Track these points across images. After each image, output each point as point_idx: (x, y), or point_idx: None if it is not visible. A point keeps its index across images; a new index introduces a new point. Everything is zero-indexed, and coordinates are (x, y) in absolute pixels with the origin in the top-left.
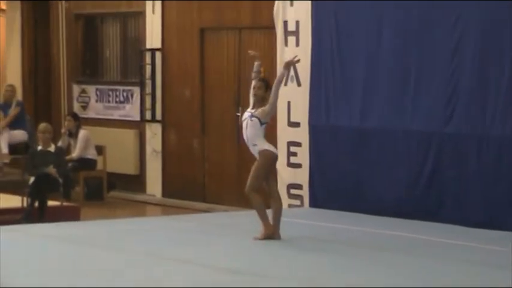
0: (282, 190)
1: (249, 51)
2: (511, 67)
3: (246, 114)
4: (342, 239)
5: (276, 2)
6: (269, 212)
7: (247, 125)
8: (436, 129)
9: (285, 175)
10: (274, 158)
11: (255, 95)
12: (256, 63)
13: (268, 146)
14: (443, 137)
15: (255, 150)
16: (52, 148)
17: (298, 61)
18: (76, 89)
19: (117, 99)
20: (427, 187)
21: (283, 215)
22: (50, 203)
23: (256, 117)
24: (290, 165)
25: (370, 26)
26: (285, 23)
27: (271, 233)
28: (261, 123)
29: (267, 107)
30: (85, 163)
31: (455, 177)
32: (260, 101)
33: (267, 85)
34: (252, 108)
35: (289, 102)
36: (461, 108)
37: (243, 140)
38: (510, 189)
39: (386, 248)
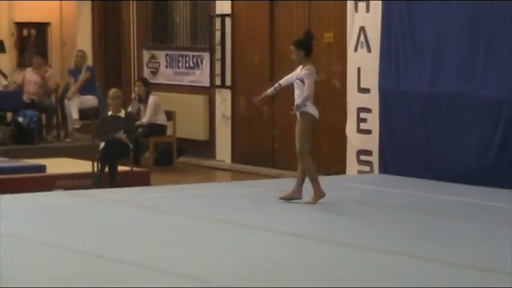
0: (352, 156)
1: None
2: None
3: (293, 76)
4: (412, 205)
5: None
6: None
7: (294, 86)
8: (507, 95)
9: (354, 141)
10: (313, 119)
11: (293, 59)
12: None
13: (310, 109)
14: None
15: (297, 111)
16: (122, 114)
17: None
18: (146, 54)
19: (187, 65)
20: (497, 154)
21: (354, 180)
22: (120, 168)
23: (299, 79)
24: (360, 131)
25: None
26: None
27: (293, 193)
28: (304, 84)
29: (306, 92)
30: (155, 129)
31: None
32: (300, 63)
33: (298, 46)
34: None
35: (359, 68)
36: None
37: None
38: None
39: (455, 215)
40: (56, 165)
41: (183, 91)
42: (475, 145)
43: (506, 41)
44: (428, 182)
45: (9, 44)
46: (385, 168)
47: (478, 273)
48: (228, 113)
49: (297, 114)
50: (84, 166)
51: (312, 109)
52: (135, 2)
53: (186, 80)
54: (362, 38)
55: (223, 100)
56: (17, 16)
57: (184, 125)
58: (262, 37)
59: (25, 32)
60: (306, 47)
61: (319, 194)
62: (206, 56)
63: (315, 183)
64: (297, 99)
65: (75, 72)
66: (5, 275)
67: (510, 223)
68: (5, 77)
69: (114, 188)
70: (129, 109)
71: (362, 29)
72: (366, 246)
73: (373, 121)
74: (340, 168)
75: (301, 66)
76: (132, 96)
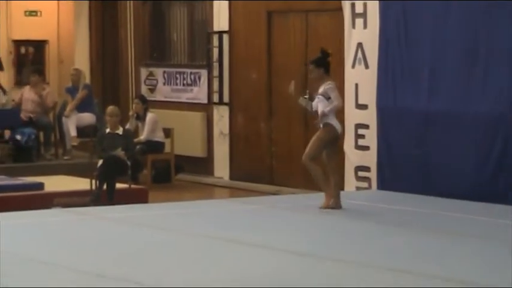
0: (350, 172)
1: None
2: None
3: (316, 97)
4: (410, 221)
5: None
6: None
7: (317, 102)
8: (504, 111)
9: (352, 157)
10: (335, 133)
11: (312, 79)
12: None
13: (334, 122)
14: (511, 119)
15: (321, 122)
16: (120, 131)
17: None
18: (144, 72)
19: (185, 82)
20: (495, 170)
21: (351, 197)
22: (118, 185)
23: (321, 94)
24: (358, 147)
25: (437, 8)
26: (353, 5)
27: (333, 203)
28: (327, 99)
29: (335, 102)
30: (153, 146)
31: None
32: (320, 80)
33: (317, 64)
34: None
35: (356, 85)
36: None
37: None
38: None
39: (454, 231)
40: (54, 183)
41: (181, 108)
42: (473, 161)
43: (503, 57)
44: (426, 198)
45: (7, 62)
46: (383, 185)
47: None
48: (226, 130)
49: (320, 125)
50: (82, 184)
51: (335, 123)
52: (132, 19)
53: (184, 97)
54: (360, 55)
55: (221, 117)
56: (14, 34)
57: (182, 142)
58: (259, 54)
59: (23, 49)
60: (324, 64)
61: (330, 196)
62: (204, 73)
63: (324, 187)
64: (320, 112)
65: (72, 90)
66: None
67: (509, 239)
68: (4, 91)
69: (112, 205)
70: (127, 126)
71: (359, 45)
72: (363, 263)
73: (371, 137)
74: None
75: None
76: (130, 113)
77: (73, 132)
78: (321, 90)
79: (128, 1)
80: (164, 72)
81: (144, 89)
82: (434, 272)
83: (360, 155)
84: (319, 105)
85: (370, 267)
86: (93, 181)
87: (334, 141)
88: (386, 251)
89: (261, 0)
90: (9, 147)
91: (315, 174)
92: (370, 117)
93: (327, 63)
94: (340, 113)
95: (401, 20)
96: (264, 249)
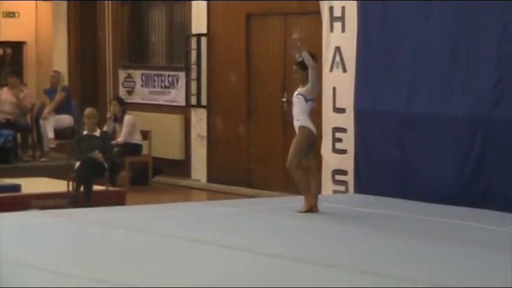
0: (327, 176)
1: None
2: None
3: (294, 94)
4: (387, 225)
5: None
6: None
7: (294, 102)
8: (483, 114)
9: (330, 161)
10: (312, 135)
11: (295, 79)
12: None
13: (309, 124)
14: (490, 122)
15: (296, 125)
16: (98, 133)
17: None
18: (122, 74)
19: (163, 84)
20: (473, 173)
21: (328, 201)
22: (96, 187)
23: (301, 94)
24: (335, 151)
25: (416, 11)
26: (331, 8)
27: (312, 206)
28: (306, 100)
29: (309, 85)
30: (130, 148)
31: (503, 163)
32: (302, 83)
33: (302, 67)
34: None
35: (334, 88)
36: (509, 93)
37: (290, 124)
38: None
39: (431, 234)
40: (31, 185)
41: (159, 110)
42: (452, 165)
43: (482, 61)
44: (404, 202)
45: None
46: (360, 188)
47: None
48: (204, 133)
49: (296, 129)
50: (59, 185)
51: (310, 124)
52: (111, 21)
53: (162, 100)
54: (337, 58)
55: (199, 120)
56: None
57: (160, 144)
58: (238, 57)
59: (0, 51)
60: (304, 69)
61: (310, 203)
62: (182, 75)
63: (305, 192)
64: (296, 116)
65: (50, 92)
66: None
67: (487, 242)
68: None
69: (89, 207)
70: (105, 128)
71: (337, 49)
72: (340, 265)
73: (348, 141)
74: None
75: (300, 86)
76: (108, 115)
77: (51, 134)
78: (301, 90)
79: (107, 1)
80: (142, 74)
81: (122, 91)
82: (411, 275)
83: (337, 158)
84: (295, 105)
85: (347, 270)
86: (71, 183)
87: (312, 143)
88: (363, 254)
89: (240, 1)
90: None
91: (299, 180)
92: (347, 120)
93: None
94: (317, 117)
95: (379, 23)
96: (242, 252)
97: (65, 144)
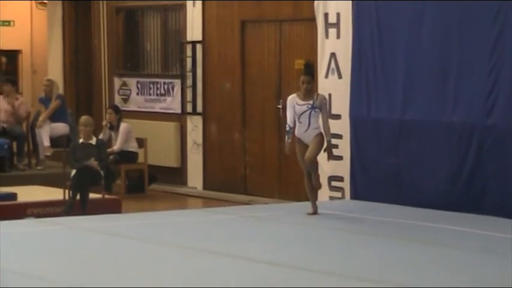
0: (323, 182)
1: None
2: None
3: (305, 107)
4: (383, 231)
5: None
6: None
7: (309, 114)
8: (478, 121)
9: (326, 167)
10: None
11: (305, 90)
12: None
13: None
14: (484, 129)
15: (313, 133)
16: (93, 141)
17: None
18: (117, 82)
19: (158, 92)
20: (468, 180)
21: (324, 207)
22: (92, 195)
23: (317, 108)
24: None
25: (410, 18)
26: (326, 15)
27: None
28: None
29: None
30: (126, 156)
31: (497, 169)
32: (309, 93)
33: (313, 77)
34: (303, 100)
35: (330, 95)
36: (503, 100)
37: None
38: None
39: (427, 240)
40: (27, 193)
41: (154, 118)
42: (446, 171)
43: (476, 68)
44: (399, 208)
45: None
46: (356, 194)
47: None
48: (200, 140)
49: (310, 137)
50: (55, 194)
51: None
52: (106, 29)
53: (157, 107)
54: (333, 65)
55: (195, 127)
56: None
57: (156, 152)
58: (233, 64)
59: None
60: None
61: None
62: (177, 83)
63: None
64: (314, 124)
65: (45, 101)
66: None
67: (482, 248)
68: None
69: (85, 215)
70: (101, 136)
71: (333, 55)
72: (336, 272)
73: (344, 147)
74: None
75: (302, 95)
76: (103, 123)
77: (46, 142)
78: (315, 102)
79: (102, 10)
80: (138, 82)
81: (117, 99)
82: (408, 282)
83: (333, 164)
84: (313, 118)
85: (343, 276)
86: (67, 191)
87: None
88: (359, 260)
89: (235, 8)
90: None
91: (317, 176)
92: (343, 127)
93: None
94: None
95: (374, 30)
96: (238, 259)
97: (61, 152)
